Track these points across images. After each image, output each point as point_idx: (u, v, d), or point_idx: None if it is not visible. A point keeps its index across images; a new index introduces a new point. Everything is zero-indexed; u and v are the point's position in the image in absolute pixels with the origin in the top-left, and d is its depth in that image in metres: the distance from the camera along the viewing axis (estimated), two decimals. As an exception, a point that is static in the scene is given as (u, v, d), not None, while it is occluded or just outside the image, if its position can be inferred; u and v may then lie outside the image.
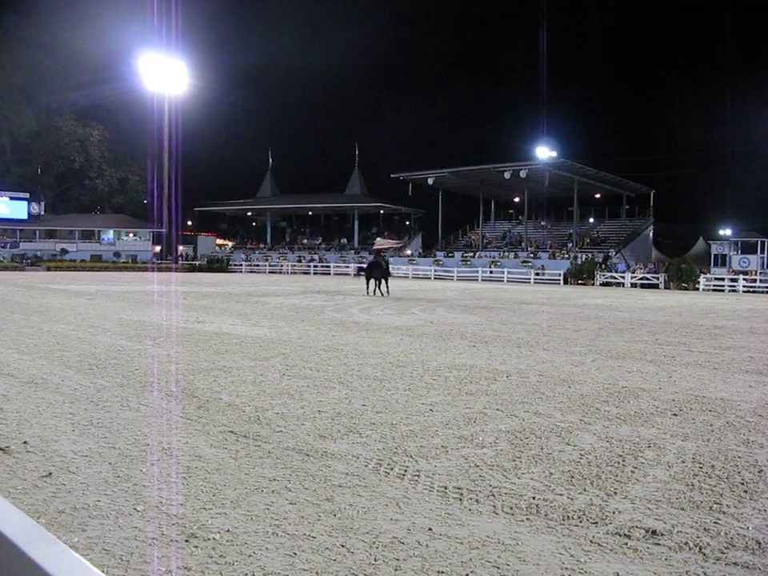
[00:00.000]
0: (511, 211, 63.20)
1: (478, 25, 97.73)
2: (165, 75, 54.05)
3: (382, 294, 23.84)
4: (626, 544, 3.32)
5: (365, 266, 25.88)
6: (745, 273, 38.71)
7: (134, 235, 62.98)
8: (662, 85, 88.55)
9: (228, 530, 3.38)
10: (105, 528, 3.37)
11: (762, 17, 74.17)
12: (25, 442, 4.82)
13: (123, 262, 58.06)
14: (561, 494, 3.99)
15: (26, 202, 59.08)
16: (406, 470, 4.38)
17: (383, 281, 24.40)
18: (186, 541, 3.26)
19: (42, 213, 61.12)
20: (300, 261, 59.57)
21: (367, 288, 24.53)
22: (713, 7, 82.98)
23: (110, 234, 62.11)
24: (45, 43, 61.17)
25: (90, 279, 35.65)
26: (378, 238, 29.52)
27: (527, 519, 3.62)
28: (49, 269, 51.19)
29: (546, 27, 79.79)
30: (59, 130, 64.21)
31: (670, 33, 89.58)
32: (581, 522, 3.59)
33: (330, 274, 54.21)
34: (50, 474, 4.18)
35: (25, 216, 58.68)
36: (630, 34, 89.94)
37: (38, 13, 60.27)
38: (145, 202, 67.87)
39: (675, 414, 6.11)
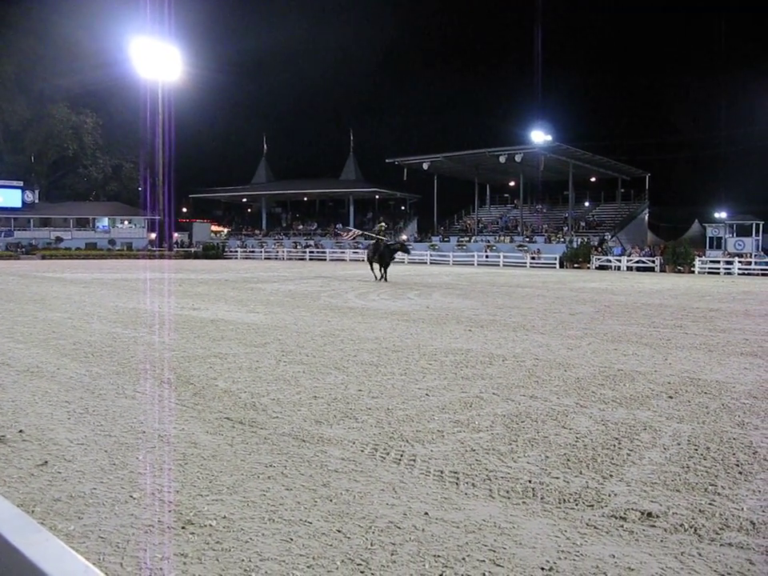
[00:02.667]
0: (507, 195, 63.19)
1: (472, 9, 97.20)
2: (158, 62, 53.67)
3: (385, 279, 23.55)
4: (622, 526, 3.33)
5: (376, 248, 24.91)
6: (740, 255, 38.78)
7: (129, 222, 62.77)
8: (658, 68, 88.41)
9: (224, 517, 3.38)
10: (101, 516, 3.37)
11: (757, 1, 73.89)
12: (20, 431, 4.81)
13: (118, 250, 57.79)
14: (557, 478, 4.00)
15: (19, 191, 58.66)
16: (402, 455, 4.39)
17: (385, 266, 24.15)
18: (183, 528, 3.26)
19: (36, 201, 60.73)
20: (296, 247, 59.40)
21: (375, 273, 24.16)
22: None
23: (104, 222, 61.88)
24: (36, 30, 60.58)
25: (85, 267, 35.54)
26: (383, 223, 29.11)
27: (523, 503, 3.63)
28: (44, 257, 50.96)
29: (541, 10, 79.36)
30: (52, 117, 63.62)
31: (665, 16, 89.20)
32: (577, 504, 3.60)
33: (325, 259, 54.11)
34: (46, 462, 4.17)
35: (19, 204, 58.32)
36: (624, 17, 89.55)
37: (30, -1, 59.77)
38: (139, 189, 67.54)
39: (671, 397, 6.13)
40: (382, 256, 23.97)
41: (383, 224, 28.60)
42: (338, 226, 39.37)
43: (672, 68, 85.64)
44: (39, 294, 17.17)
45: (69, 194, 68.19)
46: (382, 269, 24.04)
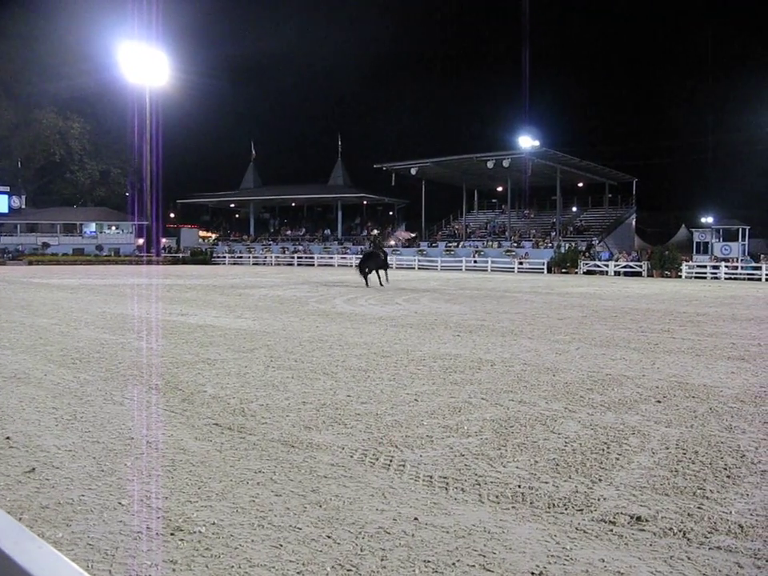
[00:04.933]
0: (494, 201, 63.31)
1: (460, 14, 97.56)
2: (146, 67, 53.52)
3: (381, 284, 23.55)
4: (611, 530, 3.34)
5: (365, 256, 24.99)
6: (726, 260, 39.07)
7: (117, 228, 62.39)
8: (645, 74, 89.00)
9: (213, 523, 3.37)
10: (89, 523, 3.35)
11: (746, 6, 74.54)
12: (7, 438, 4.78)
13: (106, 256, 57.47)
14: (546, 482, 4.01)
15: (6, 196, 58.18)
16: (391, 460, 4.38)
17: (383, 271, 24.21)
18: (172, 534, 3.24)
19: (23, 206, 60.26)
20: (284, 252, 59.31)
21: (367, 280, 23.95)
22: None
23: (92, 228, 61.49)
24: (23, 34, 60.22)
25: (73, 273, 35.35)
26: (375, 231, 29.15)
27: (513, 507, 3.64)
28: (30, 263, 50.60)
29: (528, 15, 79.71)
30: (39, 122, 63.17)
31: (652, 21, 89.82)
32: (566, 509, 3.61)
33: (314, 265, 54.04)
34: (34, 469, 4.14)
35: (5, 210, 57.85)
36: (611, 22, 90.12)
37: (16, 3, 59.48)
38: (127, 194, 67.22)
39: (659, 401, 6.15)
40: (375, 261, 24.14)
41: (376, 231, 28.61)
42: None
43: (660, 74, 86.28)
44: (26, 299, 17.07)
45: (56, 199, 67.74)
46: (381, 273, 24.22)
